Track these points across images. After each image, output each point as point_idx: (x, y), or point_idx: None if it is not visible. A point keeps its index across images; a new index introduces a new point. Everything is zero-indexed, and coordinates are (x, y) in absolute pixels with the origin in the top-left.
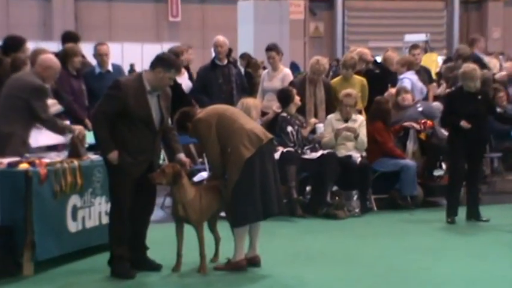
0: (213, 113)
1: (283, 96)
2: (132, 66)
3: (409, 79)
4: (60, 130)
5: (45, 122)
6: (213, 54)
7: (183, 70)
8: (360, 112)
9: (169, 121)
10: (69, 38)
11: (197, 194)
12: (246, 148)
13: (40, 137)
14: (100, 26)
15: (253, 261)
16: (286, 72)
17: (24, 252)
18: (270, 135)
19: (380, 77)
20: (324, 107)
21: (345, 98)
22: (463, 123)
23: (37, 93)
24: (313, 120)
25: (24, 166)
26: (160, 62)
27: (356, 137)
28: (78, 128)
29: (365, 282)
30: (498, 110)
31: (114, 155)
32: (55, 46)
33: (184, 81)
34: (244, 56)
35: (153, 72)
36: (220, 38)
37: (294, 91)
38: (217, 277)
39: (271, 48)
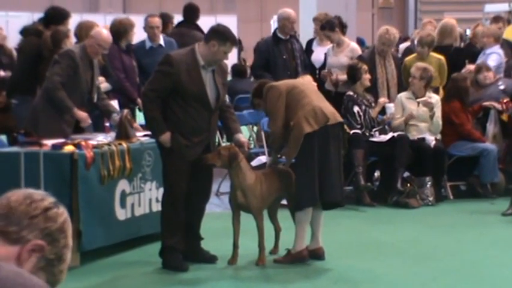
0: (286, 83)
1: (351, 73)
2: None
3: (497, 54)
4: (60, 107)
5: (47, 83)
6: (273, 27)
7: None
8: (436, 91)
9: (227, 98)
10: (191, 10)
11: (257, 179)
12: (309, 123)
13: None
14: None
15: (316, 254)
16: (353, 46)
17: None
18: (339, 118)
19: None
20: (396, 82)
21: (412, 69)
22: None
23: (58, 57)
24: (382, 99)
25: (69, 148)
26: (215, 34)
27: (432, 116)
28: (82, 115)
29: (441, 279)
30: None
31: (166, 137)
32: (101, 19)
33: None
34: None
35: (207, 46)
36: (292, 12)
37: (365, 67)
38: (277, 270)
39: (323, 27)
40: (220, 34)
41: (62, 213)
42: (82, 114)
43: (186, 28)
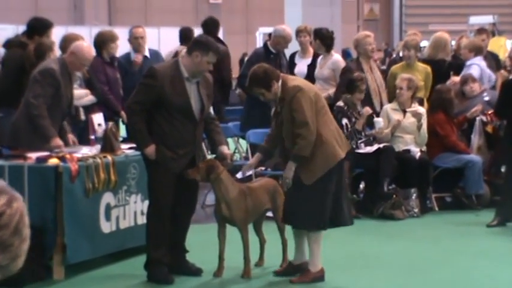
0: (311, 88)
1: (351, 83)
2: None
3: (477, 65)
4: (41, 133)
5: (32, 108)
6: (258, 39)
7: None
8: (421, 102)
9: (211, 110)
10: (212, 23)
11: (242, 192)
12: (340, 148)
13: None
14: (135, 10)
15: (301, 267)
16: (335, 59)
17: (54, 255)
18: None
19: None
20: (385, 88)
21: (398, 82)
22: None
23: (39, 75)
24: (365, 109)
25: (54, 161)
26: (197, 45)
27: (419, 127)
28: (55, 144)
29: None
30: None
31: (151, 150)
32: (86, 31)
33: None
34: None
35: (190, 57)
36: (290, 33)
37: (363, 87)
38: (262, 283)
39: (313, 31)
40: (202, 44)
41: (16, 211)
42: (55, 144)
43: None
